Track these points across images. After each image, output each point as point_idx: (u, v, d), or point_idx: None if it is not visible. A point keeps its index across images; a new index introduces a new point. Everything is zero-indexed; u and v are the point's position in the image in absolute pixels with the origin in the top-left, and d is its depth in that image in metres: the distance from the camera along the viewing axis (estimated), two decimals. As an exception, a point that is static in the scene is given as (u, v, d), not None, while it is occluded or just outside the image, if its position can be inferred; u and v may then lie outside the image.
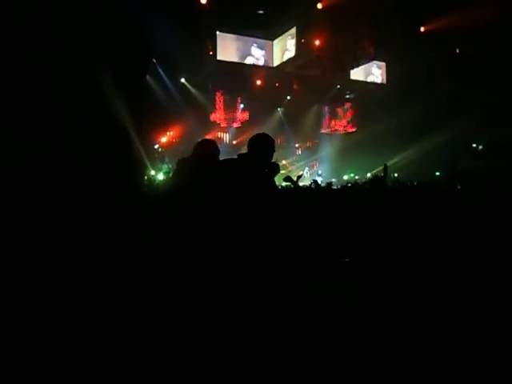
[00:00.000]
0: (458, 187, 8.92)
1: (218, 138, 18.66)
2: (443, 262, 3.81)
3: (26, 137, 7.85)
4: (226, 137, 19.76)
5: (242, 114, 18.61)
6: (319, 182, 7.41)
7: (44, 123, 8.67)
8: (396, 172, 16.26)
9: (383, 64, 19.82)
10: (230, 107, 18.47)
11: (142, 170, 3.20)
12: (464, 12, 13.80)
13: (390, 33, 16.36)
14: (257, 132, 2.92)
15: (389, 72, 19.82)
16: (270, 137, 2.87)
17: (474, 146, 18.58)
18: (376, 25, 16.35)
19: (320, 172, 20.29)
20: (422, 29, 16.68)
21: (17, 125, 8.34)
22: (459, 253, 3.95)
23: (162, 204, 2.82)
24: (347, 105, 21.26)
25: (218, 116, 18.20)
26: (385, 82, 19.96)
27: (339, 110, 21.39)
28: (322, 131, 21.61)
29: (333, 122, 21.37)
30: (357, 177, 19.49)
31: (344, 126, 21.24)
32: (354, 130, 20.99)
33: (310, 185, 6.23)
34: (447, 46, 16.31)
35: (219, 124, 18.49)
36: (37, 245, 2.88)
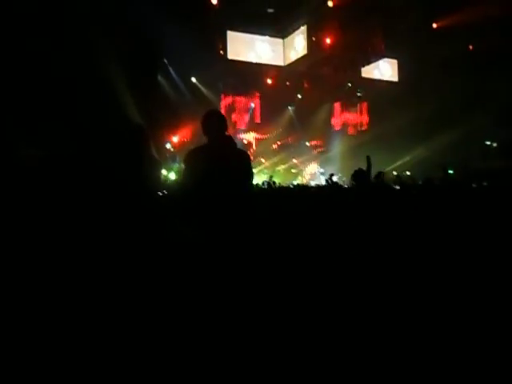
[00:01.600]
0: (473, 185, 8.81)
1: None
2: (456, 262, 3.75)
3: (40, 137, 8.00)
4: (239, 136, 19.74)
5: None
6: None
7: (59, 124, 8.80)
8: (408, 170, 16.13)
9: (395, 61, 19.65)
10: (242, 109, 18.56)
11: (160, 168, 3.22)
12: (477, 7, 13.64)
13: (401, 30, 16.24)
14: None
15: (400, 69, 19.65)
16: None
17: (488, 143, 18.33)
18: (387, 22, 16.26)
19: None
20: (435, 25, 16.52)
21: (30, 125, 8.50)
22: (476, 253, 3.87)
23: (183, 200, 2.83)
24: (359, 104, 21.16)
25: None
26: (396, 79, 19.79)
27: (351, 109, 21.31)
28: (335, 128, 21.48)
29: (343, 116, 21.23)
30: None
31: (357, 125, 21.16)
32: (366, 128, 20.90)
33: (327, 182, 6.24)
34: (460, 42, 16.11)
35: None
36: (52, 244, 2.90)
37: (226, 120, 2.93)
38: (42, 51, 8.82)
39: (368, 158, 4.91)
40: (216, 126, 2.82)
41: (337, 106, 21.28)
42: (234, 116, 18.33)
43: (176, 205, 3.09)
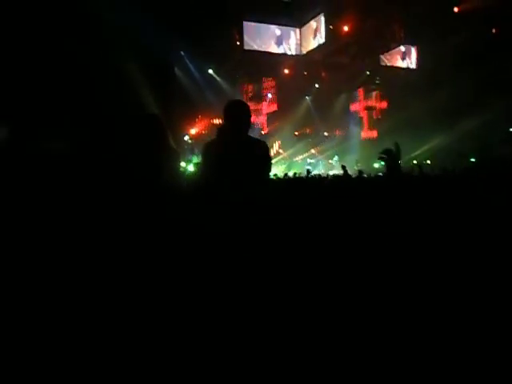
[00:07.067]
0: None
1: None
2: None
3: (56, 129, 8.17)
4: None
5: (269, 106, 18.53)
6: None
7: (75, 116, 8.95)
8: (429, 159, 15.85)
9: (414, 48, 19.26)
10: (257, 97, 18.50)
11: (178, 159, 3.23)
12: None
13: (420, 15, 15.86)
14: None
15: (420, 56, 19.24)
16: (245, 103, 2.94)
17: (511, 130, 17.83)
18: (406, 7, 15.89)
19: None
20: (456, 9, 16.07)
21: (50, 117, 8.67)
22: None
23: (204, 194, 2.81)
24: (378, 93, 20.95)
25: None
26: (415, 66, 19.39)
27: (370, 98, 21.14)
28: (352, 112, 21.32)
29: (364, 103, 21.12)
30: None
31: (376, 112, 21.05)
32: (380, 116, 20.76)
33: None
34: (482, 26, 15.64)
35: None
36: (75, 236, 2.94)
37: (251, 113, 2.87)
38: (58, 43, 8.98)
39: (396, 144, 4.37)
40: (240, 115, 2.78)
41: (356, 94, 21.11)
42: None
43: (194, 197, 3.10)
